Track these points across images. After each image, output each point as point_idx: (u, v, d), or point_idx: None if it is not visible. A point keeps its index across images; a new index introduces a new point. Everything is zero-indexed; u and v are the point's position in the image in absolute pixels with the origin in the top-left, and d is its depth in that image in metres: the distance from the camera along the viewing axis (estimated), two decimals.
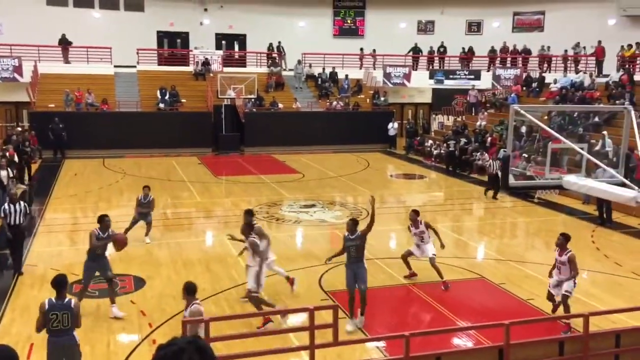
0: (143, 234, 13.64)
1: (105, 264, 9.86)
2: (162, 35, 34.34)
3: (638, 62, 27.55)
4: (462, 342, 8.89)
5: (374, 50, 33.65)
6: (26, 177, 20.51)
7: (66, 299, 7.06)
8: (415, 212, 11.44)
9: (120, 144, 26.36)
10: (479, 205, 19.19)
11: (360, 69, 33.49)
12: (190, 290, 7.48)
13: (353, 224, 9.66)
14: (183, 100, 28.79)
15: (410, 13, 36.00)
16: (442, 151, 25.68)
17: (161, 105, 28.18)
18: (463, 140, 24.59)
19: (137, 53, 30.61)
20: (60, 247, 13.44)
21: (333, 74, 32.30)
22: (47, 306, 6.96)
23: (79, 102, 26.98)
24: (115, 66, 29.91)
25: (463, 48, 33.76)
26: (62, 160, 24.67)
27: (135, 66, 30.54)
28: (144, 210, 13.57)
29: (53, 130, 25.20)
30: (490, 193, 19.02)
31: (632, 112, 8.76)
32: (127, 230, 13.01)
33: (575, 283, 9.52)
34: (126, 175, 21.68)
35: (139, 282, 11.20)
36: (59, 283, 7.13)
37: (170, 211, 16.66)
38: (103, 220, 9.80)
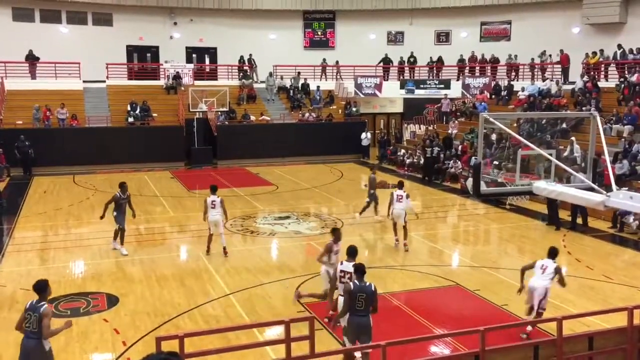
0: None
1: None
2: (131, 50, 34.04)
3: (602, 69, 28.16)
4: (438, 349, 8.92)
5: (338, 62, 33.82)
6: None
7: (41, 303, 7.24)
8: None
9: (90, 159, 25.98)
10: (453, 213, 19.36)
11: (321, 79, 33.58)
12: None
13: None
14: (154, 115, 28.54)
15: (380, 24, 36.35)
16: (414, 160, 25.85)
17: (130, 120, 27.90)
18: (436, 149, 24.80)
19: (107, 68, 30.30)
20: (30, 267, 13.15)
21: (305, 86, 32.37)
22: (27, 305, 7.28)
23: (46, 118, 26.55)
24: (84, 81, 29.53)
25: (431, 58, 34.18)
26: (31, 178, 24.21)
27: (104, 81, 30.21)
28: (372, 190, 16.65)
29: (19, 149, 24.74)
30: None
31: (598, 118, 8.98)
32: (362, 211, 16.75)
33: None
34: (97, 191, 21.36)
35: (112, 300, 11.01)
36: (37, 288, 7.40)
37: (144, 226, 16.45)
38: None
